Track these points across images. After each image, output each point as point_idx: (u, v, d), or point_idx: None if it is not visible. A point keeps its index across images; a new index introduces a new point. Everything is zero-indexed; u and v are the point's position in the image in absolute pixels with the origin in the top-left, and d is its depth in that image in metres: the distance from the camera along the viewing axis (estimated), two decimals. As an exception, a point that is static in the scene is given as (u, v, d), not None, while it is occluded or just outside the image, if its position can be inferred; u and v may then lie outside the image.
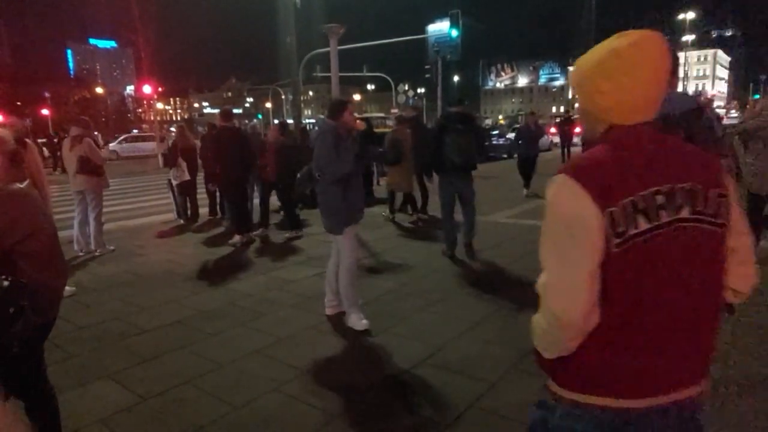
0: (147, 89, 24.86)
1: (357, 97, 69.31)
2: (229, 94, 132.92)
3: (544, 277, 1.20)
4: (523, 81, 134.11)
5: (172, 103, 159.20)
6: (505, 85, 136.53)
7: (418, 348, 3.69)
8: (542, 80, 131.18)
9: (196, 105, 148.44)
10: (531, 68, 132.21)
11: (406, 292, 4.92)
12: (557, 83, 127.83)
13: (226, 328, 4.21)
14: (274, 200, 8.33)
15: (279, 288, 5.23)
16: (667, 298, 1.14)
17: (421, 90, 60.50)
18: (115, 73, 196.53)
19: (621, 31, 1.21)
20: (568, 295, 1.13)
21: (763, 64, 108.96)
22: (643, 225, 1.11)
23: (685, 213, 1.14)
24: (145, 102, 52.71)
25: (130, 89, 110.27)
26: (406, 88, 32.39)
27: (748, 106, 7.46)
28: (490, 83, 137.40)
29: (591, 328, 1.15)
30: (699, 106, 2.69)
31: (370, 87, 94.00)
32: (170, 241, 7.63)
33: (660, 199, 1.13)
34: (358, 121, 4.30)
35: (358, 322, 4.08)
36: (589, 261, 1.12)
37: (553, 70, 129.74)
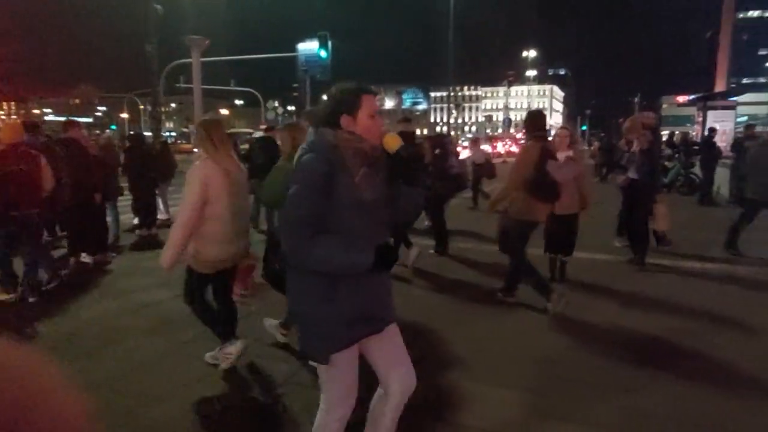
0: (-29, 91, 21.62)
1: (225, 111, 66.92)
2: (77, 101, 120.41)
3: None
4: (389, 104, 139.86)
5: (5, 108, 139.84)
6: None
7: (284, 368, 3.65)
8: (406, 104, 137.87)
9: (36, 111, 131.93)
10: (395, 92, 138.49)
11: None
12: (420, 107, 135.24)
13: (65, 362, 3.78)
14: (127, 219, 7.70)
15: (133, 313, 4.83)
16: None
17: (291, 107, 60.21)
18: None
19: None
20: None
21: (587, 100, 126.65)
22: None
23: (23, 166, 4.75)
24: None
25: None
26: (276, 104, 32.11)
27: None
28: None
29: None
30: None
31: (238, 102, 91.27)
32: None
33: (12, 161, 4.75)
34: (389, 133, 2.14)
35: None
36: None
37: (416, 95, 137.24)
